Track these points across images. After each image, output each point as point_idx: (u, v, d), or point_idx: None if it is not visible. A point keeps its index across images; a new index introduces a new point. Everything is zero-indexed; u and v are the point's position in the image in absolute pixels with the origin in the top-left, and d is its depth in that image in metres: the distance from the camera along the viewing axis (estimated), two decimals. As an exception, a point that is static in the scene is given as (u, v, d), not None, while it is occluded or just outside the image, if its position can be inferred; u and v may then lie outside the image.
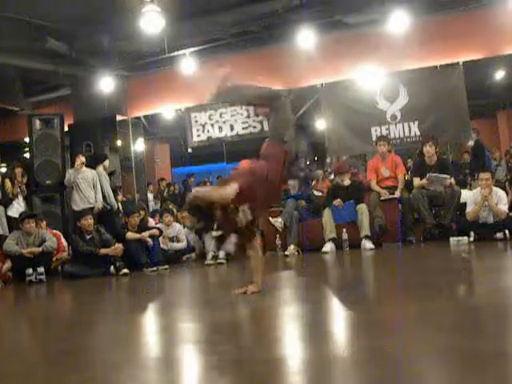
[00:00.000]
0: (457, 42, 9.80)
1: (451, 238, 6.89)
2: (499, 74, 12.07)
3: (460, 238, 6.83)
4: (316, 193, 8.66)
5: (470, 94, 10.08)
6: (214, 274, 6.77)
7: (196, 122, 11.91)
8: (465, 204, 7.15)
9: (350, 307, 3.58)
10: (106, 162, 9.38)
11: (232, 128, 11.64)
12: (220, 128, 11.74)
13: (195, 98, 11.82)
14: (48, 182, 9.08)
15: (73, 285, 6.71)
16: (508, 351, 2.27)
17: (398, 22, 9.55)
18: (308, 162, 13.78)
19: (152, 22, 8.80)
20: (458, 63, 10.00)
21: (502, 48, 9.87)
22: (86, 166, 8.84)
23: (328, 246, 7.43)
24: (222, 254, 7.39)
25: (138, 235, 7.45)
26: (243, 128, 11.54)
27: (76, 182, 8.64)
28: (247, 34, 10.61)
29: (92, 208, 8.32)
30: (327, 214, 7.62)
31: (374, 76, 10.38)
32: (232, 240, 4.02)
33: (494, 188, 7.01)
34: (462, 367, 2.12)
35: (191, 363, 2.66)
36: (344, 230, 7.48)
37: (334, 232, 7.54)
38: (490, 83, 12.20)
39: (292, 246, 7.57)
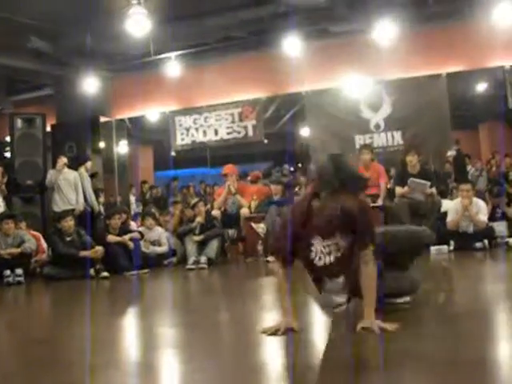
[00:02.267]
0: (441, 54, 9.92)
1: (431, 247, 6.94)
2: (482, 87, 12.22)
3: (440, 246, 6.89)
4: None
5: (452, 105, 10.21)
6: (195, 278, 6.74)
7: (180, 125, 11.88)
8: (445, 213, 7.22)
9: (330, 314, 3.58)
10: (89, 164, 9.31)
11: (216, 132, 11.63)
12: (204, 132, 11.73)
13: (180, 102, 11.82)
14: (29, 182, 8.98)
15: (52, 287, 6.63)
16: (486, 359, 2.29)
17: (383, 33, 9.64)
18: (292, 169, 13.84)
19: (138, 24, 8.77)
20: (441, 75, 10.13)
21: (485, 61, 10.03)
22: (68, 167, 8.76)
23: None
24: (203, 258, 7.37)
25: (118, 238, 7.39)
26: (228, 133, 11.54)
27: (57, 183, 8.55)
28: (233, 39, 10.62)
29: (73, 210, 8.24)
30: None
31: (358, 85, 10.45)
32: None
33: (475, 198, 7.08)
34: (442, 375, 2.13)
35: (170, 368, 2.64)
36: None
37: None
38: (473, 95, 12.35)
39: (273, 252, 7.57)
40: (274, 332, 2.89)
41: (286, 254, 3.06)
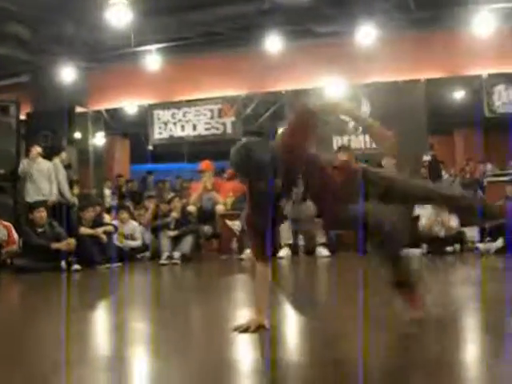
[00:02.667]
0: (421, 60, 10.04)
1: (404, 250, 7.03)
2: (459, 94, 12.40)
3: (412, 249, 6.99)
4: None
5: (429, 111, 10.34)
6: (168, 274, 6.71)
7: (158, 119, 11.79)
8: (419, 217, 7.31)
9: (301, 312, 3.60)
10: (64, 154, 9.19)
11: (195, 128, 11.58)
12: (182, 127, 11.67)
13: (159, 95, 11.74)
14: (1, 171, 8.83)
15: (22, 279, 6.53)
16: (449, 361, 2.33)
17: (366, 36, 9.73)
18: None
19: (119, 15, 8.69)
20: (420, 80, 10.25)
21: (464, 69, 10.20)
22: (43, 157, 8.63)
23: (284, 252, 7.46)
24: (177, 254, 7.34)
25: (92, 231, 7.32)
26: (206, 129, 11.50)
27: (30, 172, 8.42)
28: (215, 35, 10.58)
29: (46, 201, 8.12)
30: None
31: (338, 86, 10.51)
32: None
33: (448, 204, 7.19)
34: (406, 376, 2.16)
35: (142, 363, 2.63)
36: (300, 236, 7.53)
37: (291, 238, 7.58)
38: (450, 102, 12.51)
39: (248, 250, 7.57)
40: (244, 329, 2.89)
41: (265, 256, 3.04)
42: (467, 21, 9.42)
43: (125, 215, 8.14)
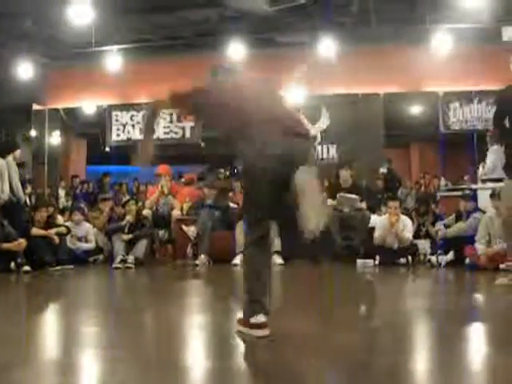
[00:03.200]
0: (379, 74, 10.23)
1: (358, 260, 7.13)
2: (416, 109, 12.70)
3: (366, 260, 7.09)
4: (231, 205, 8.69)
5: (387, 124, 10.55)
6: (121, 277, 6.62)
7: (117, 120, 11.64)
8: (373, 228, 7.43)
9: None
10: (17, 152, 8.92)
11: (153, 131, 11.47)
12: (141, 130, 11.54)
13: (118, 96, 11.59)
14: (-49, 167, 8.53)
15: (-33, 278, 6.33)
16: (401, 370, 2.37)
17: (327, 48, 9.87)
18: (227, 174, 13.85)
19: (81, 13, 8.55)
20: (379, 94, 10.45)
21: (421, 85, 10.47)
22: (-5, 153, 8.39)
23: (238, 259, 7.45)
24: (130, 258, 7.25)
25: (44, 232, 7.16)
26: (165, 133, 11.41)
27: (-18, 169, 8.17)
28: (178, 38, 10.54)
29: (-3, 199, 7.89)
30: (240, 227, 7.65)
31: (298, 96, 10.60)
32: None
33: (402, 216, 7.33)
34: (359, 378, 2.19)
35: (89, 368, 2.57)
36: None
37: (246, 245, 7.58)
38: (407, 116, 12.80)
39: (203, 256, 7.54)
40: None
41: None
42: (426, 39, 9.68)
43: (79, 217, 7.99)
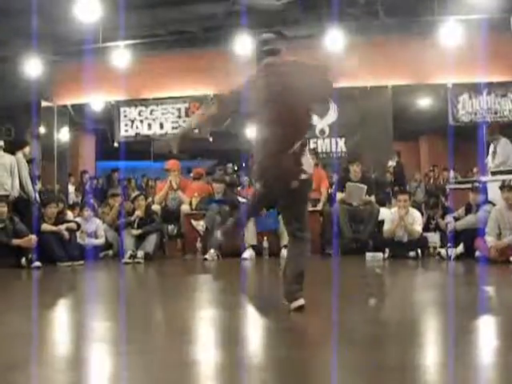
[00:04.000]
0: (388, 66, 10.18)
1: (367, 254, 7.11)
2: (425, 101, 12.64)
3: (375, 253, 7.06)
4: (240, 199, 8.69)
5: (395, 117, 10.50)
6: (131, 273, 6.64)
7: (125, 116, 11.67)
8: (383, 221, 7.41)
9: (264, 314, 3.61)
10: (27, 149, 8.97)
11: (162, 126, 11.49)
12: (149, 125, 11.57)
13: (126, 92, 11.60)
14: (-39, 164, 8.58)
15: (-21, 274, 6.37)
16: (411, 364, 2.36)
17: (334, 40, 9.81)
18: (235, 168, 13.85)
19: (88, 9, 8.56)
20: (387, 86, 10.40)
21: (430, 77, 10.39)
22: (5, 150, 8.43)
23: (248, 253, 7.46)
24: (140, 253, 7.27)
25: (54, 227, 7.19)
26: (173, 127, 11.42)
27: (-9, 166, 8.21)
28: (185, 33, 10.53)
29: (7, 195, 7.93)
30: (249, 221, 7.65)
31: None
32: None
33: (411, 209, 7.30)
34: (367, 381, 2.18)
35: (100, 363, 2.59)
36: (265, 237, 7.54)
37: (255, 239, 7.58)
38: (416, 109, 12.74)
39: (212, 251, 7.55)
40: None
41: None
42: (435, 30, 9.61)
43: (89, 212, 8.02)
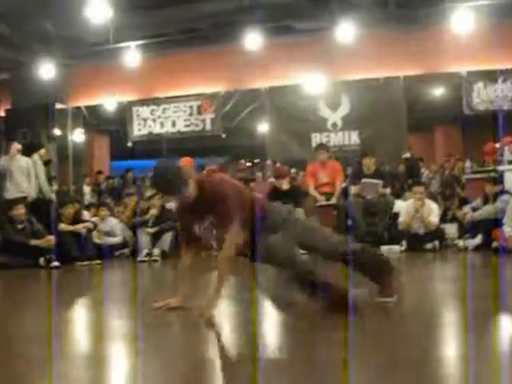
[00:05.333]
0: (399, 57, 10.11)
1: (382, 246, 7.06)
2: (438, 91, 12.52)
3: (391, 246, 7.01)
4: (256, 195, 8.69)
5: (409, 108, 10.42)
6: (147, 271, 6.68)
7: (138, 116, 11.73)
8: (398, 214, 7.36)
9: (283, 310, 3.61)
10: (42, 151, 9.06)
11: (174, 124, 11.53)
12: (162, 124, 11.61)
13: (138, 92, 11.66)
14: (-21, 168, 8.68)
15: (1, 276, 6.45)
16: (430, 358, 2.35)
17: (345, 33, 9.75)
18: (248, 165, 13.85)
19: (98, 11, 8.61)
20: (399, 77, 10.31)
21: (443, 66, 10.28)
22: (22, 153, 8.52)
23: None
24: (156, 251, 7.30)
25: (71, 227, 7.25)
26: (185, 125, 11.46)
27: (10, 169, 8.31)
28: (195, 31, 10.54)
29: (25, 197, 8.02)
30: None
31: (317, 83, 10.53)
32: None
33: (427, 200, 7.24)
34: (386, 374, 2.17)
35: (120, 360, 2.61)
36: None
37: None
38: (429, 99, 12.63)
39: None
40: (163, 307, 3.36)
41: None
42: (446, 18, 9.48)
43: (105, 212, 8.08)
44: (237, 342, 2.89)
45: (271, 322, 3.40)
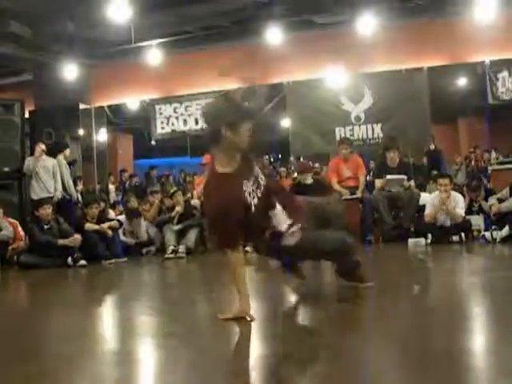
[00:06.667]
0: (422, 48, 9.98)
1: (409, 240, 7.01)
2: (462, 81, 12.35)
3: (418, 239, 6.96)
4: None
5: (432, 99, 10.29)
6: (174, 268, 6.73)
7: (160, 114, 11.80)
8: (423, 206, 7.29)
9: (308, 303, 3.61)
10: (67, 151, 9.19)
11: (197, 122, 11.57)
12: (185, 121, 11.66)
13: (160, 90, 11.73)
14: (6, 169, 8.83)
15: (28, 275, 6.56)
16: (458, 349, 2.33)
17: (367, 25, 9.65)
18: (272, 160, 13.84)
19: (119, 11, 8.67)
20: (422, 68, 10.19)
21: (466, 56, 10.12)
22: (46, 154, 8.64)
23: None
24: (181, 248, 7.35)
25: (97, 226, 7.34)
26: (204, 122, 11.48)
27: (35, 170, 8.44)
28: (215, 28, 10.55)
29: (51, 197, 8.14)
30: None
31: (340, 76, 10.47)
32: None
33: (453, 192, 7.15)
34: (415, 365, 2.16)
35: (147, 357, 2.64)
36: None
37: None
38: (453, 89, 12.46)
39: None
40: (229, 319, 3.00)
41: (234, 242, 3.28)
42: (469, 7, 9.32)
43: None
44: (265, 336, 2.89)
45: (299, 316, 3.40)
